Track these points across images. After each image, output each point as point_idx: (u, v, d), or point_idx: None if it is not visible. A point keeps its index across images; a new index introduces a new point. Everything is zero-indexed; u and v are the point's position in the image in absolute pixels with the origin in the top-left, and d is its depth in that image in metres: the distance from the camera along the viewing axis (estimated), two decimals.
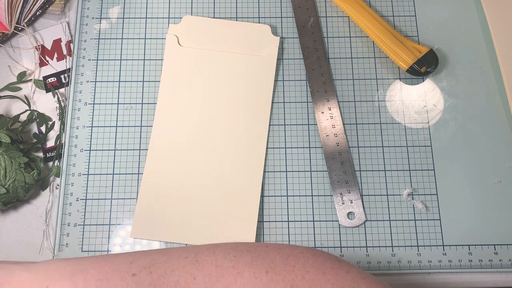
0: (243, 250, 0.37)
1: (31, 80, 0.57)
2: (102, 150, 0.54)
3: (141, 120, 0.55)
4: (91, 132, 0.54)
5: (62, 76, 0.57)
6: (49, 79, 0.57)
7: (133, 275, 0.33)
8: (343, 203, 0.52)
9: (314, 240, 0.51)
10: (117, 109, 0.55)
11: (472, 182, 0.53)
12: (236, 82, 0.55)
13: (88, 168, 0.53)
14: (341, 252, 0.50)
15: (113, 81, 0.56)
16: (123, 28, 0.58)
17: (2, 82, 0.56)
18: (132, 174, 0.53)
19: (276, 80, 0.56)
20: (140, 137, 0.54)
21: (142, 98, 0.56)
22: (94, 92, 0.56)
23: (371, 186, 0.53)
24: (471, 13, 0.59)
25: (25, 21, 0.57)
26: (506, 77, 0.54)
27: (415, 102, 0.56)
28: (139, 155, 0.54)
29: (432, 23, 0.59)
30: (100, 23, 0.58)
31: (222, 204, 0.51)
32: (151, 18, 0.59)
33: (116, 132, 0.54)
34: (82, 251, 0.50)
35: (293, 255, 0.36)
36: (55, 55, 0.58)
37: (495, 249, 0.50)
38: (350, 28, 0.59)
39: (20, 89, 0.56)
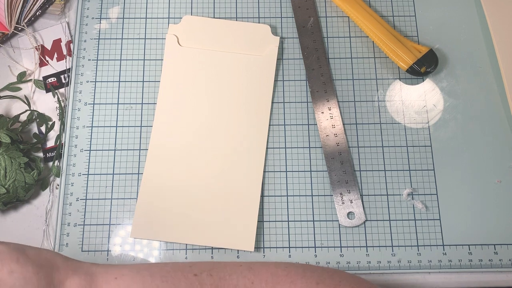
0: (292, 263, 0.40)
1: (31, 80, 0.57)
2: (102, 150, 0.54)
3: (141, 120, 0.55)
4: (91, 132, 0.54)
5: (62, 76, 0.57)
6: (49, 79, 0.57)
7: (195, 275, 0.36)
8: (343, 203, 0.52)
9: (314, 240, 0.51)
10: (117, 109, 0.55)
11: (472, 182, 0.53)
12: (236, 82, 0.55)
13: (88, 168, 0.53)
14: (341, 252, 0.50)
15: (113, 81, 0.56)
16: (123, 28, 0.58)
17: (2, 82, 0.56)
18: (132, 174, 0.53)
19: (276, 80, 0.56)
20: (140, 137, 0.54)
21: (142, 98, 0.56)
22: (94, 92, 0.56)
23: (371, 186, 0.53)
24: (471, 13, 0.59)
25: (25, 21, 0.57)
26: (506, 77, 0.54)
27: (415, 102, 0.56)
28: (139, 155, 0.54)
29: (432, 23, 0.59)
30: (100, 23, 0.58)
31: (222, 204, 0.51)
32: (151, 18, 0.59)
33: (116, 132, 0.54)
34: (82, 251, 0.50)
35: (337, 273, 0.39)
36: (55, 55, 0.58)
37: (495, 249, 0.50)
38: (350, 28, 0.59)
39: (20, 89, 0.56)
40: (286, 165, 0.53)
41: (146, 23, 0.58)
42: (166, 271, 0.36)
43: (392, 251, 0.51)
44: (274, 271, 0.38)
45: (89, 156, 0.53)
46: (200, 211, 0.51)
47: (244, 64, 0.56)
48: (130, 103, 0.55)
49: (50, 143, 0.55)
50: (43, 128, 0.55)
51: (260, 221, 0.51)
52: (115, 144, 0.54)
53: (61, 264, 0.35)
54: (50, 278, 0.33)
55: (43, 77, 0.57)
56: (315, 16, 0.58)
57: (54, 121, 0.55)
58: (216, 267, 0.37)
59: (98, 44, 0.57)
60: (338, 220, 0.51)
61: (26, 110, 0.55)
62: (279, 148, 0.54)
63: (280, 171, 0.53)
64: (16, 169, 0.50)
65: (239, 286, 0.36)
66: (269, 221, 0.52)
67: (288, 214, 0.52)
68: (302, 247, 0.51)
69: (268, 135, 0.54)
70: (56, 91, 0.56)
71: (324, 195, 0.52)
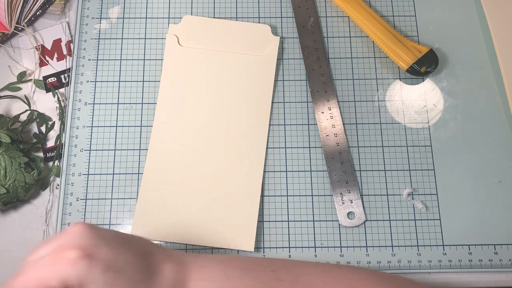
0: (366, 269, 0.42)
1: (31, 80, 0.57)
2: (102, 150, 0.54)
3: (141, 120, 0.55)
4: (91, 132, 0.54)
5: (62, 76, 0.57)
6: (49, 79, 0.57)
7: (273, 271, 0.38)
8: (343, 203, 0.52)
9: (314, 240, 0.51)
10: (117, 109, 0.55)
11: (472, 182, 0.53)
12: (236, 82, 0.55)
13: (88, 168, 0.53)
14: (341, 252, 0.50)
15: (113, 81, 0.56)
16: (123, 28, 0.58)
17: (2, 82, 0.56)
18: (132, 174, 0.53)
19: (276, 80, 0.56)
20: (140, 137, 0.54)
21: (142, 98, 0.56)
22: (94, 92, 0.56)
23: (371, 186, 0.53)
24: (471, 13, 0.59)
25: (25, 21, 0.57)
26: (506, 77, 0.54)
27: (415, 102, 0.56)
28: (139, 155, 0.54)
29: (432, 23, 0.59)
30: (100, 23, 0.58)
31: (222, 204, 0.51)
32: (151, 18, 0.59)
33: (116, 132, 0.54)
34: None
35: (408, 283, 0.41)
36: (55, 55, 0.58)
37: (495, 249, 0.50)
38: (350, 28, 0.59)
39: (20, 89, 0.56)
40: (286, 165, 0.53)
41: (146, 23, 0.58)
42: (247, 264, 0.38)
43: (392, 251, 0.51)
44: (348, 275, 0.39)
45: (89, 156, 0.53)
46: (200, 211, 0.51)
47: (244, 64, 0.56)
48: (130, 103, 0.55)
49: (50, 143, 0.55)
50: (43, 128, 0.55)
51: (260, 221, 0.51)
52: (115, 144, 0.54)
53: (156, 251, 0.37)
54: (148, 262, 0.35)
55: (43, 77, 0.57)
56: (315, 16, 0.58)
57: (54, 121, 0.55)
58: (291, 266, 0.39)
59: (98, 44, 0.57)
60: (338, 220, 0.52)
61: (26, 110, 0.55)
62: (279, 148, 0.54)
63: (280, 171, 0.53)
64: (16, 169, 0.50)
65: (313, 286, 0.37)
66: (269, 221, 0.52)
67: (288, 214, 0.52)
68: (302, 247, 0.51)
69: (268, 135, 0.54)
70: (56, 91, 0.56)
71: (324, 195, 0.52)
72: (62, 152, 0.54)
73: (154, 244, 0.38)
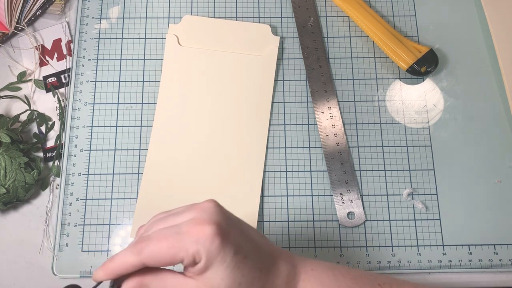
0: None
1: (31, 80, 0.57)
2: (102, 150, 0.54)
3: (141, 120, 0.55)
4: (91, 132, 0.54)
5: (62, 76, 0.57)
6: (49, 79, 0.57)
7: (379, 285, 0.37)
8: (343, 203, 0.52)
9: (314, 240, 0.51)
10: (117, 109, 0.55)
11: (472, 182, 0.53)
12: (236, 82, 0.55)
13: (88, 168, 0.53)
14: (341, 252, 0.50)
15: (113, 81, 0.56)
16: (123, 28, 0.58)
17: (2, 82, 0.56)
18: (132, 174, 0.53)
19: (276, 80, 0.56)
20: (140, 137, 0.54)
21: (142, 98, 0.56)
22: (94, 92, 0.56)
23: (371, 186, 0.53)
24: (471, 13, 0.59)
25: (25, 21, 0.57)
26: (506, 77, 0.54)
27: (415, 102, 0.56)
28: (139, 155, 0.54)
29: (432, 23, 0.59)
30: (100, 23, 0.58)
31: (222, 203, 0.51)
32: (151, 18, 0.59)
33: (116, 132, 0.54)
34: (82, 251, 0.50)
35: None
36: (55, 55, 0.58)
37: (495, 249, 0.50)
38: (350, 28, 0.59)
39: (20, 89, 0.56)
40: (286, 165, 0.53)
41: (146, 23, 0.58)
42: (355, 275, 0.37)
43: (392, 251, 0.51)
44: None
45: (89, 156, 0.53)
46: None
47: (244, 64, 0.56)
48: (130, 103, 0.55)
49: (50, 143, 0.55)
50: (43, 128, 0.55)
51: (260, 221, 0.51)
52: (115, 144, 0.54)
53: (270, 244, 0.36)
54: (267, 254, 0.35)
55: (43, 77, 0.57)
56: (315, 16, 0.58)
57: (54, 121, 0.55)
58: (395, 282, 0.38)
59: (98, 44, 0.57)
60: (338, 220, 0.52)
61: (26, 110, 0.55)
62: (279, 148, 0.54)
63: (280, 171, 0.53)
64: (16, 169, 0.50)
65: None
66: (269, 221, 0.52)
67: (288, 214, 0.52)
68: (302, 247, 0.51)
69: (268, 135, 0.54)
70: (56, 91, 0.56)
71: (324, 195, 0.52)
72: (62, 152, 0.54)
73: (266, 238, 0.37)
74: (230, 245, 0.31)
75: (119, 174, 0.53)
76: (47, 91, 0.56)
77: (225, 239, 0.31)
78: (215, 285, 0.31)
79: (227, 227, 0.32)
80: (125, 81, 0.56)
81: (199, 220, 0.32)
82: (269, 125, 0.55)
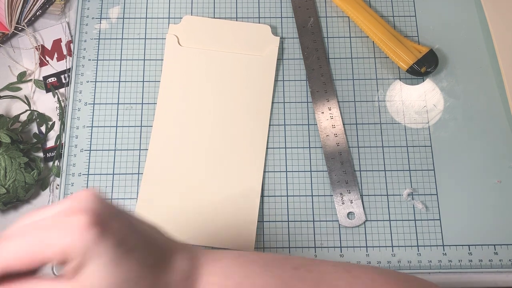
0: (390, 270, 0.38)
1: (31, 80, 0.57)
2: (102, 150, 0.54)
3: (141, 120, 0.55)
4: (91, 132, 0.54)
5: (62, 76, 0.57)
6: (49, 79, 0.57)
7: (294, 269, 0.33)
8: (343, 203, 0.52)
9: (314, 240, 0.51)
10: (117, 109, 0.55)
11: (472, 182, 0.53)
12: (236, 82, 0.55)
13: (88, 168, 0.53)
14: (341, 252, 0.50)
15: (113, 81, 0.56)
16: (123, 28, 0.58)
17: (2, 82, 0.56)
18: (132, 174, 0.53)
19: (276, 80, 0.56)
20: (140, 137, 0.54)
21: (142, 98, 0.56)
22: (94, 92, 0.56)
23: (371, 186, 0.53)
24: (471, 13, 0.59)
25: (25, 21, 0.57)
26: (506, 77, 0.54)
27: (415, 102, 0.56)
28: (139, 155, 0.54)
29: (432, 23, 0.59)
30: (100, 23, 0.58)
31: (223, 204, 0.51)
32: (151, 18, 0.59)
33: (116, 132, 0.54)
34: None
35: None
36: (55, 55, 0.58)
37: (495, 249, 0.50)
38: (350, 28, 0.59)
39: (20, 89, 0.56)
40: (286, 165, 0.53)
41: (146, 23, 0.58)
42: (266, 260, 0.34)
43: (392, 251, 0.51)
44: (373, 276, 0.35)
45: (89, 156, 0.53)
46: (200, 211, 0.51)
47: (244, 64, 0.56)
48: (130, 103, 0.55)
49: (50, 143, 0.55)
50: (43, 128, 0.55)
51: (260, 221, 0.51)
52: (115, 144, 0.54)
53: (167, 239, 0.32)
54: (160, 248, 0.31)
55: (43, 77, 0.57)
56: (315, 16, 0.58)
57: (54, 121, 0.55)
58: (312, 264, 0.35)
59: (98, 44, 0.57)
60: (338, 220, 0.51)
61: (26, 110, 0.55)
62: (279, 148, 0.54)
63: (280, 171, 0.53)
64: (16, 169, 0.50)
65: (339, 286, 0.33)
66: (269, 221, 0.51)
67: (288, 214, 0.52)
68: (302, 247, 0.51)
69: (268, 135, 0.54)
70: (56, 91, 0.56)
71: (324, 195, 0.52)
72: (62, 152, 0.54)
73: (165, 232, 0.33)
74: (111, 237, 0.26)
75: (119, 174, 0.53)
76: (47, 91, 0.56)
77: (104, 230, 0.26)
78: (95, 285, 0.26)
79: (106, 216, 0.27)
80: (125, 81, 0.56)
81: (70, 209, 0.26)
82: (269, 125, 0.55)
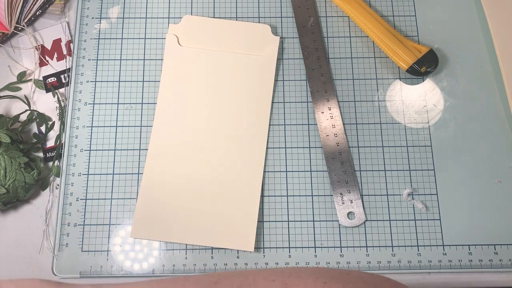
0: (331, 277, 0.34)
1: (31, 80, 0.57)
2: (102, 150, 0.54)
3: (141, 120, 0.55)
4: (91, 132, 0.54)
5: (62, 76, 0.57)
6: (49, 79, 0.57)
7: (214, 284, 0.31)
8: (343, 203, 0.52)
9: (314, 240, 0.51)
10: (117, 109, 0.55)
11: (472, 182, 0.53)
12: (236, 82, 0.55)
13: (88, 168, 0.53)
14: (341, 252, 0.50)
15: (113, 81, 0.56)
16: (123, 28, 0.58)
17: (2, 82, 0.56)
18: (132, 174, 0.53)
19: (276, 80, 0.56)
20: (140, 137, 0.54)
21: (142, 98, 0.56)
22: (94, 92, 0.56)
23: (371, 186, 0.53)
24: (471, 13, 0.59)
25: (25, 21, 0.57)
26: (506, 77, 0.54)
27: (415, 102, 0.56)
28: (139, 155, 0.54)
29: (432, 23, 0.59)
30: (100, 23, 0.58)
31: (222, 204, 0.51)
32: (151, 18, 0.59)
33: (116, 132, 0.54)
34: (82, 251, 0.50)
35: (378, 285, 0.34)
36: (55, 55, 0.58)
37: (495, 249, 0.50)
38: (350, 28, 0.59)
39: (20, 89, 0.56)
40: (286, 165, 0.53)
41: (146, 23, 0.58)
42: None
43: (392, 251, 0.51)
44: (313, 285, 0.33)
45: (89, 156, 0.53)
46: (200, 211, 0.51)
47: (244, 64, 0.56)
48: (130, 103, 0.55)
49: (50, 143, 0.55)
50: (43, 128, 0.55)
51: (260, 221, 0.51)
52: (115, 144, 0.54)
53: None
54: None
55: (43, 77, 0.57)
56: (315, 16, 0.58)
57: (54, 121, 0.55)
58: (244, 285, 0.32)
59: (98, 44, 0.57)
60: (338, 220, 0.51)
61: (26, 110, 0.55)
62: (279, 148, 0.54)
63: (280, 171, 0.53)
64: (16, 169, 0.50)
65: None
66: (269, 221, 0.52)
67: (288, 214, 0.52)
68: (302, 247, 0.51)
69: (268, 135, 0.54)
70: (56, 91, 0.56)
71: (324, 195, 0.52)
72: (62, 152, 0.54)
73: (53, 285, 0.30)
74: None
75: (119, 174, 0.53)
76: (47, 91, 0.56)
77: None
78: None
79: None
80: (125, 81, 0.56)
81: None
82: (269, 125, 0.55)
